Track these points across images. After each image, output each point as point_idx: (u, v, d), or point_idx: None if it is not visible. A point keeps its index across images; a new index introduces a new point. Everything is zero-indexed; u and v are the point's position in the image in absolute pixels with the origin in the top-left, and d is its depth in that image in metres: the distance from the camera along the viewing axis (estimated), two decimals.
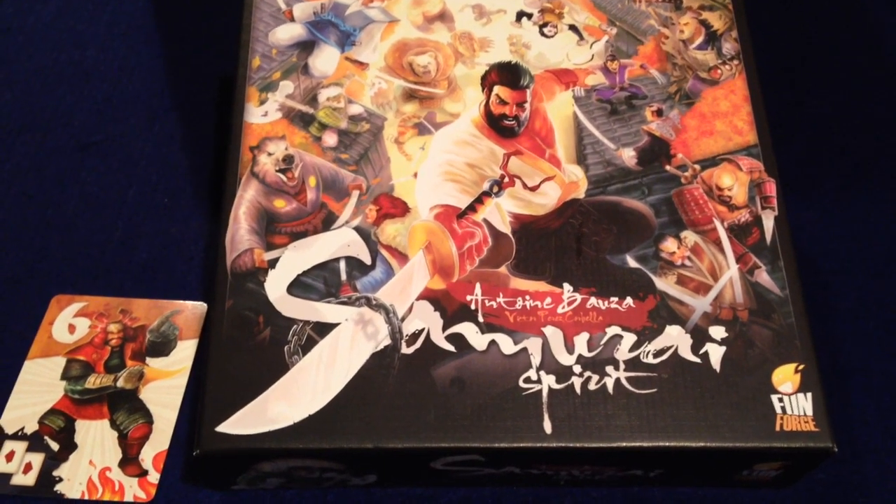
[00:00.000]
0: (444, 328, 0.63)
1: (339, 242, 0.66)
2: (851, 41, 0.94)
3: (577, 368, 0.61)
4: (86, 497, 0.65)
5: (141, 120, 0.87)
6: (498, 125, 0.71)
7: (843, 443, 0.69)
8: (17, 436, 0.68)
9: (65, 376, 0.70)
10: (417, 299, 0.64)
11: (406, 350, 0.62)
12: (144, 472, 0.67)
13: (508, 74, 0.73)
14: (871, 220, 0.82)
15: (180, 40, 0.93)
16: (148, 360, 0.71)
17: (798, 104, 0.89)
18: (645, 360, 0.62)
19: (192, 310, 0.74)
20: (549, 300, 0.64)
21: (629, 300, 0.64)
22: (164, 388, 0.70)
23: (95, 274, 0.77)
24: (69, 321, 0.73)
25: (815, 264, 0.78)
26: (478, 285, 0.64)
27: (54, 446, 0.67)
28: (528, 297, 0.64)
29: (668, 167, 0.70)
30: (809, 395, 0.61)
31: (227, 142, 0.70)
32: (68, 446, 0.67)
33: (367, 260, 0.65)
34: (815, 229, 0.81)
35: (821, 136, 0.87)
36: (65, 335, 0.73)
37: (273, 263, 0.65)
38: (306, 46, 0.75)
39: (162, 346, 0.72)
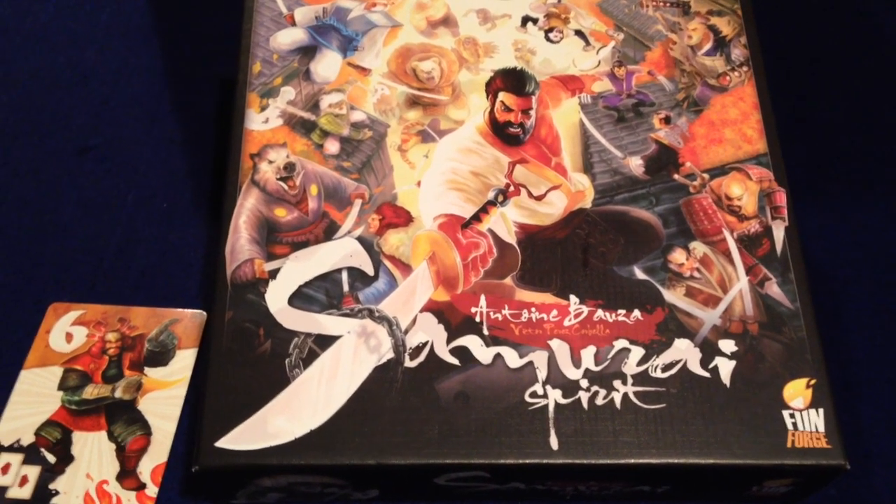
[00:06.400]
0: (449, 341, 0.62)
1: (341, 253, 0.65)
2: (860, 47, 0.93)
3: (584, 383, 0.61)
4: None
5: (140, 123, 0.86)
6: (503, 133, 0.70)
7: (855, 457, 0.68)
8: (13, 448, 0.67)
9: (62, 387, 0.69)
10: (421, 311, 0.63)
11: (409, 363, 0.61)
12: (142, 486, 0.66)
13: (513, 81, 0.72)
14: (883, 228, 0.81)
15: (180, 42, 0.92)
16: (146, 369, 0.70)
17: (808, 110, 0.88)
18: (653, 375, 0.61)
19: (192, 318, 0.73)
20: (555, 312, 0.63)
21: (637, 313, 0.63)
22: (163, 398, 0.69)
23: (93, 281, 0.76)
24: (66, 330, 0.72)
25: (826, 273, 0.77)
26: (482, 297, 0.63)
27: (51, 458, 0.66)
28: (533, 310, 0.63)
29: (676, 176, 0.69)
30: (821, 410, 0.60)
31: (227, 148, 0.69)
32: (65, 459, 0.66)
33: (370, 271, 0.64)
34: (825, 237, 0.80)
35: (831, 142, 0.86)
36: (62, 344, 0.71)
37: (274, 274, 0.64)
38: (308, 51, 0.74)
39: (161, 356, 0.71)
